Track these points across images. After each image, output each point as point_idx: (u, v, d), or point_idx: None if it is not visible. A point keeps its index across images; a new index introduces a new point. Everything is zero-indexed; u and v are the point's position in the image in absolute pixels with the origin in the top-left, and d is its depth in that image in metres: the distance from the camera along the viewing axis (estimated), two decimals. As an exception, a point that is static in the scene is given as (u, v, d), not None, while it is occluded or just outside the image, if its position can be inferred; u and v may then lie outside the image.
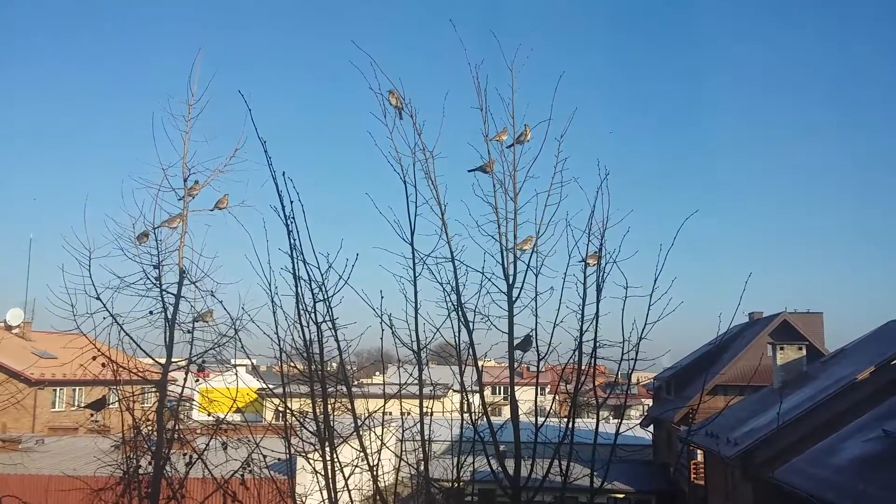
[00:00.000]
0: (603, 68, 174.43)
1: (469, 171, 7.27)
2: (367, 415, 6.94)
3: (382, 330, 6.68)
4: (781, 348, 29.56)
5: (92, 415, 8.65)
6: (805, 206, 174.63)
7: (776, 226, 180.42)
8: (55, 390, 42.04)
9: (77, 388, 42.76)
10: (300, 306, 6.43)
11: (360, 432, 6.74)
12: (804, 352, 29.43)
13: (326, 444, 6.48)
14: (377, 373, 8.55)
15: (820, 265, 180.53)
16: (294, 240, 6.31)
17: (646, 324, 6.60)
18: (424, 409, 6.92)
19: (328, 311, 6.49)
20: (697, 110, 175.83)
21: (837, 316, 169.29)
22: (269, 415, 10.74)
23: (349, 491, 6.69)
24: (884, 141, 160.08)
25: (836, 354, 29.59)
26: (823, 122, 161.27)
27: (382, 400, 7.16)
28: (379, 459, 6.78)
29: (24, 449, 25.22)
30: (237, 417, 8.45)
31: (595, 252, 6.81)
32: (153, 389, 8.20)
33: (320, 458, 6.56)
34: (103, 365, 7.89)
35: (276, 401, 7.61)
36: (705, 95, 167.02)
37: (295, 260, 6.34)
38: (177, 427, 7.96)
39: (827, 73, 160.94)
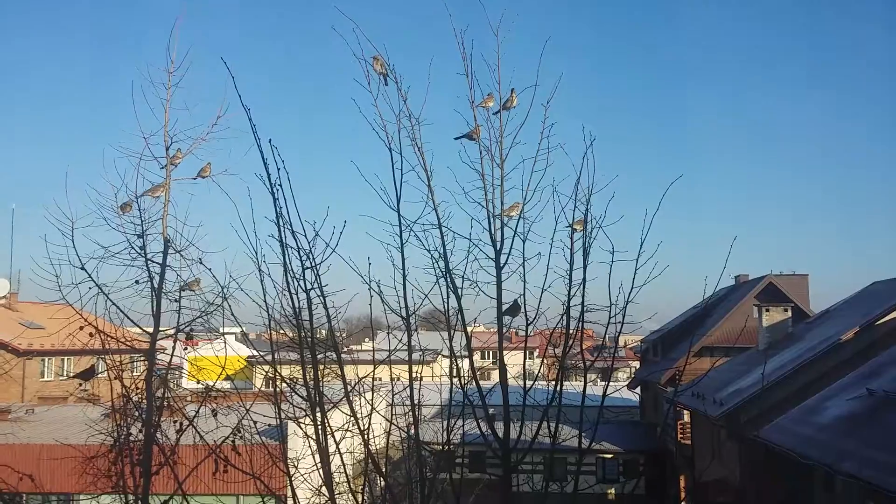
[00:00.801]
0: (589, 32, 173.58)
1: (455, 138, 7.24)
2: (356, 380, 6.98)
3: (371, 297, 6.71)
4: (767, 310, 29.88)
5: (80, 384, 8.65)
6: (790, 169, 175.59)
7: (762, 189, 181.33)
8: (43, 360, 42.01)
9: (66, 359, 42.74)
10: (288, 274, 6.43)
11: (350, 397, 6.78)
12: (790, 313, 29.76)
13: (317, 408, 6.53)
14: (366, 339, 8.59)
15: (805, 227, 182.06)
16: (280, 208, 6.29)
17: (632, 287, 6.67)
18: (414, 375, 6.97)
19: (316, 279, 6.49)
20: (683, 74, 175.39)
21: (823, 278, 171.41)
22: (258, 382, 10.80)
23: (341, 454, 6.75)
24: (869, 101, 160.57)
25: (821, 315, 29.92)
26: (809, 82, 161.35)
27: (372, 366, 7.21)
28: (369, 424, 6.84)
29: (13, 419, 25.26)
30: (227, 385, 8.48)
31: (581, 217, 6.84)
32: (142, 358, 8.20)
33: (311, 423, 6.62)
34: (90, 335, 7.87)
35: (267, 368, 7.64)
36: (690, 59, 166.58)
37: (282, 228, 6.32)
38: (166, 395, 7.99)
39: (813, 33, 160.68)
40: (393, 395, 7.25)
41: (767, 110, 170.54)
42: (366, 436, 6.72)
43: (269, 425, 7.41)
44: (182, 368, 10.40)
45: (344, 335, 8.39)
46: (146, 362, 8.03)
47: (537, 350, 9.43)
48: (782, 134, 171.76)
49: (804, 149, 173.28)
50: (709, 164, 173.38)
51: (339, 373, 6.72)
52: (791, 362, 23.16)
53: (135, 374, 8.22)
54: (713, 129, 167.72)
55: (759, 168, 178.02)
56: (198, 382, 8.45)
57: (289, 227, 6.34)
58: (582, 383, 6.92)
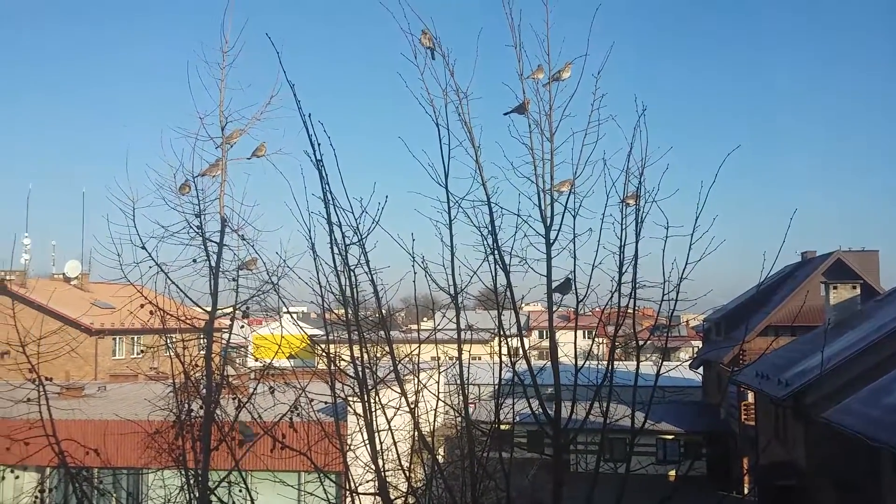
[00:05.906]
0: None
1: (505, 113, 7.11)
2: (403, 357, 6.99)
3: (415, 273, 6.67)
4: (835, 287, 28.90)
5: (142, 351, 8.89)
6: (860, 142, 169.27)
7: (829, 162, 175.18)
8: (115, 339, 43.44)
9: (136, 337, 44.12)
10: (334, 250, 6.46)
11: (402, 376, 6.79)
12: (858, 290, 28.74)
13: (364, 387, 6.57)
14: (425, 318, 8.57)
15: (876, 201, 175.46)
16: (326, 184, 6.29)
17: (686, 263, 6.48)
18: (469, 354, 6.94)
19: (361, 254, 6.50)
20: (738, 38, 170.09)
21: (894, 254, 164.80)
22: (318, 361, 10.96)
23: (392, 431, 6.79)
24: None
25: (891, 293, 28.85)
26: (878, 45, 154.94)
27: (431, 345, 7.20)
28: (417, 401, 6.84)
29: (86, 396, 26.15)
30: (287, 364, 8.59)
31: (633, 191, 6.67)
32: (202, 336, 8.37)
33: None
34: (151, 312, 8.06)
35: (323, 346, 7.72)
36: (745, 25, 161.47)
37: (327, 204, 6.31)
38: (224, 372, 8.14)
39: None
40: (439, 373, 7.25)
41: (833, 77, 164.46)
42: (415, 413, 6.74)
43: (326, 403, 7.50)
44: (243, 347, 10.59)
45: (403, 315, 8.41)
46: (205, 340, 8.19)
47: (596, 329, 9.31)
48: (851, 104, 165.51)
49: (872, 119, 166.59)
50: (771, 135, 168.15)
51: (388, 350, 6.74)
52: (860, 342, 22.40)
53: (201, 351, 8.39)
54: (778, 97, 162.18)
55: (827, 140, 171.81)
56: (255, 360, 8.57)
57: (333, 203, 6.33)
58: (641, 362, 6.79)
